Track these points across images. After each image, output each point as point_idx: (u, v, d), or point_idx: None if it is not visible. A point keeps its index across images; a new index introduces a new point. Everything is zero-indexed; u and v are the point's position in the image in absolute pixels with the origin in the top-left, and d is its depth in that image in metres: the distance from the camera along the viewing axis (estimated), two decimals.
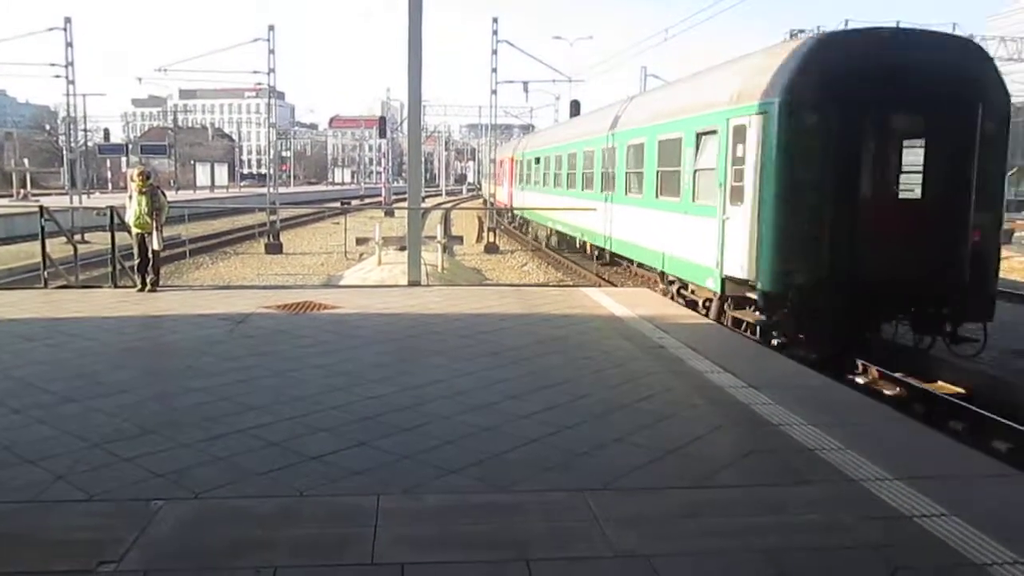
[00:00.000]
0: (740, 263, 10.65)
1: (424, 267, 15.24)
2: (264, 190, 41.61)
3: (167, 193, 12.76)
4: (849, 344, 10.56)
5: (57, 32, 30.68)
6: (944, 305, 10.47)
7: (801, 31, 17.16)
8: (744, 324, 10.94)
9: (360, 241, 23.50)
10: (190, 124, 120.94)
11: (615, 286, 18.21)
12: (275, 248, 29.40)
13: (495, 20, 34.35)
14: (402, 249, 18.10)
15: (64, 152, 42.32)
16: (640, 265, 16.50)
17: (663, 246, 13.70)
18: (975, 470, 4.99)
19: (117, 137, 78.93)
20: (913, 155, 10.65)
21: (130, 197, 11.79)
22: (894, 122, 10.43)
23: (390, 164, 62.64)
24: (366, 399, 6.10)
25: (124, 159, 72.28)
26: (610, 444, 5.21)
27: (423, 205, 19.94)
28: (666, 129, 13.80)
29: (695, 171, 12.31)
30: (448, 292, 12.71)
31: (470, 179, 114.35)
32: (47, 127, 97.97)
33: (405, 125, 18.34)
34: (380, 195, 61.98)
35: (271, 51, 31.09)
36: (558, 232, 24.69)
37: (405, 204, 15.43)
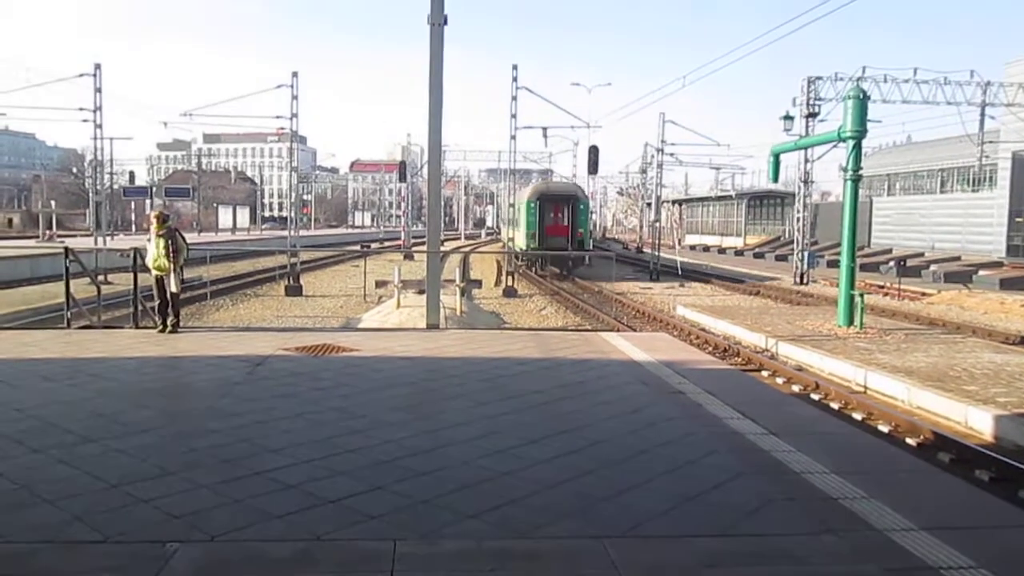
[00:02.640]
0: (520, 242, 38.39)
1: (443, 310, 15.27)
2: (285, 232, 42.00)
3: (187, 235, 12.89)
4: (562, 272, 36.83)
5: (87, 78, 31.41)
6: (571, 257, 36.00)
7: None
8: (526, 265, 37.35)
9: (379, 284, 23.61)
10: (214, 167, 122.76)
11: (635, 331, 18.16)
12: (295, 290, 29.56)
13: (515, 67, 34.89)
14: (421, 292, 18.14)
15: (90, 194, 42.96)
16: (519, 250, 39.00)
17: (515, 240, 41.23)
18: (1002, 521, 4.89)
19: (142, 179, 79.98)
20: (565, 212, 37.84)
21: (149, 239, 11.94)
22: (555, 205, 37.85)
23: (410, 208, 63.07)
24: (384, 442, 6.08)
25: (148, 201, 73.30)
26: (629, 490, 5.15)
27: (442, 249, 20.04)
28: (517, 204, 40.90)
29: (517, 217, 39.81)
30: (467, 336, 12.71)
31: (489, 223, 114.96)
32: (74, 170, 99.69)
33: (425, 170, 18.63)
34: (400, 238, 62.35)
35: (294, 97, 31.62)
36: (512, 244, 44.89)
37: (424, 248, 15.50)
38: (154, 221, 11.91)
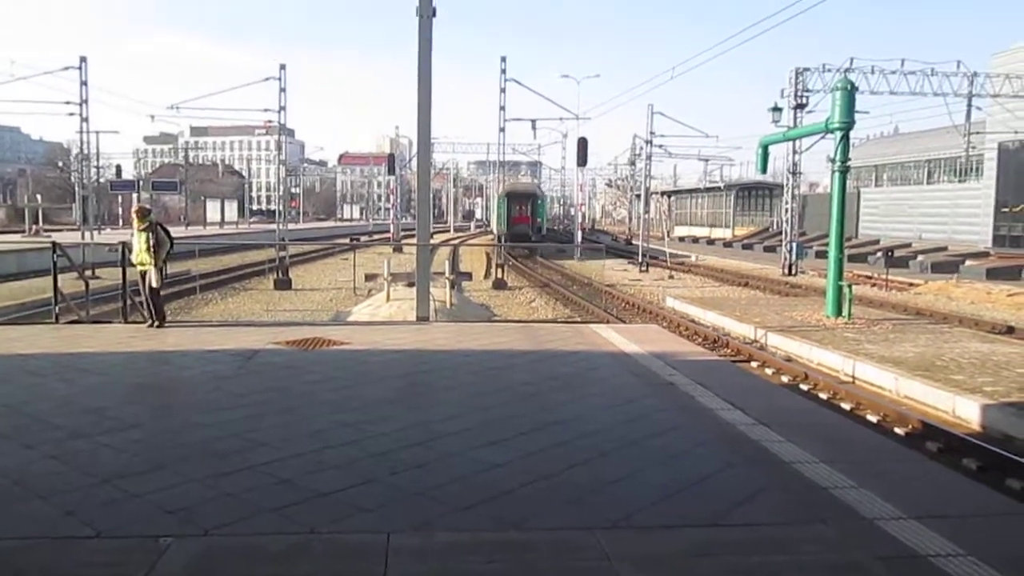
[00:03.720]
0: (496, 227, 53.29)
1: (433, 303, 15.25)
2: (274, 226, 41.86)
3: (174, 229, 12.81)
4: (528, 251, 44.17)
5: (72, 71, 31.12)
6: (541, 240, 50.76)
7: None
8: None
9: (369, 277, 23.54)
10: (201, 161, 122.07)
11: (625, 323, 18.20)
12: (284, 284, 29.48)
13: (503, 59, 34.89)
14: (411, 285, 18.10)
15: (76, 188, 42.70)
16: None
17: (494, 226, 56.04)
18: (990, 509, 4.94)
19: (129, 173, 79.69)
20: (527, 206, 52.09)
21: (132, 234, 11.86)
22: (519, 201, 51.73)
23: (398, 200, 62.97)
24: (376, 435, 6.09)
25: (135, 195, 72.82)
26: (621, 481, 5.18)
27: (431, 242, 20.01)
28: (495, 199, 56.14)
29: (497, 208, 52.36)
30: (457, 328, 12.72)
31: (478, 215, 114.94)
32: (60, 163, 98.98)
33: (414, 162, 18.63)
34: (389, 231, 62.24)
35: (282, 89, 31.47)
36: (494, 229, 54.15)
37: (414, 240, 15.48)
38: (135, 216, 11.81)
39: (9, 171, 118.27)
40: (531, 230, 48.86)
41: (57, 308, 12.84)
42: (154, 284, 11.57)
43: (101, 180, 58.80)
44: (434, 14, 13.17)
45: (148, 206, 13.01)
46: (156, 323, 11.68)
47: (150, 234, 11.49)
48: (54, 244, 13.32)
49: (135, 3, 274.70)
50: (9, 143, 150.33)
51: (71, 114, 31.80)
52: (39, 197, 62.65)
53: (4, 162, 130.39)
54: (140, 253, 11.54)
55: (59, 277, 13.01)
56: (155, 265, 11.50)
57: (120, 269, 13.11)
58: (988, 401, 10.55)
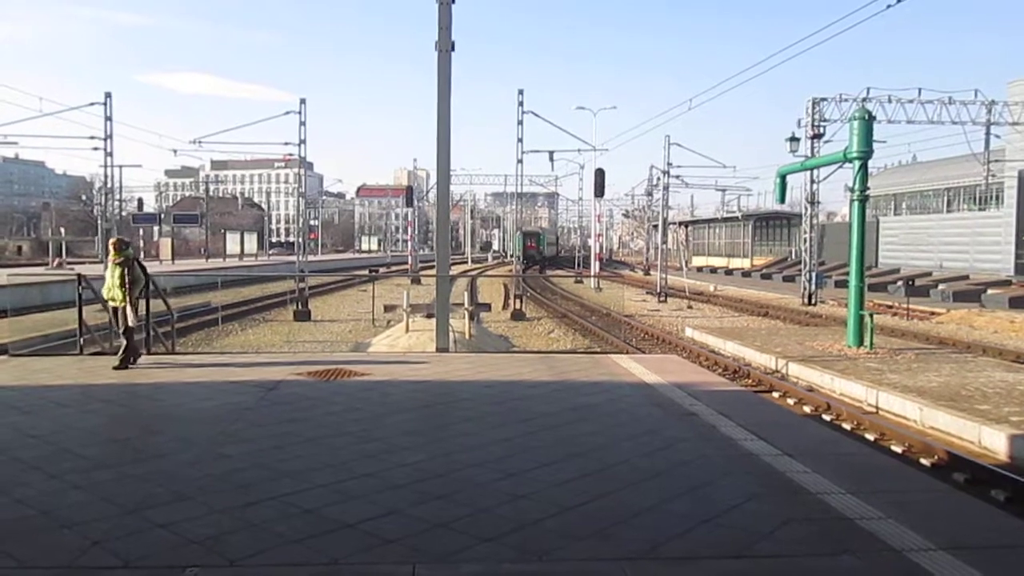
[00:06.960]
0: (515, 254, 51.78)
1: (452, 334, 15.28)
2: (293, 258, 42.19)
3: (195, 261, 12.88)
4: (536, 267, 76.20)
5: (97, 106, 31.76)
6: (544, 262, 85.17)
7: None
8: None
9: (388, 308, 23.61)
10: (221, 194, 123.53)
11: (644, 353, 18.14)
12: (304, 315, 29.58)
13: (521, 92, 35.14)
14: (429, 316, 18.17)
15: (99, 221, 43.28)
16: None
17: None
18: (1020, 540, 4.87)
19: (150, 206, 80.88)
20: (535, 240, 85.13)
21: (106, 267, 11.23)
22: (530, 237, 77.85)
23: (416, 232, 63.35)
24: (399, 466, 6.09)
25: (157, 228, 73.77)
26: (645, 512, 5.15)
27: (450, 273, 20.08)
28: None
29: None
30: (477, 359, 12.73)
31: (495, 247, 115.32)
32: (83, 197, 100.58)
33: (431, 194, 18.82)
34: (406, 263, 62.54)
35: (302, 123, 31.87)
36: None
37: (432, 272, 15.55)
38: (112, 248, 11.11)
39: (34, 205, 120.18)
40: (537, 253, 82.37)
41: (82, 340, 12.96)
42: (130, 323, 10.90)
43: (123, 213, 59.61)
44: (453, 48, 13.37)
45: (127, 239, 12.22)
46: (119, 363, 10.82)
47: (125, 269, 10.84)
48: (79, 276, 13.47)
49: (158, 42, 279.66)
50: (34, 177, 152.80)
51: (96, 149, 32.40)
52: (63, 230, 63.48)
53: (29, 196, 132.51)
54: (112, 288, 10.82)
55: (83, 309, 13.14)
56: (129, 302, 10.86)
57: (144, 301, 13.21)
58: (1015, 431, 10.40)
